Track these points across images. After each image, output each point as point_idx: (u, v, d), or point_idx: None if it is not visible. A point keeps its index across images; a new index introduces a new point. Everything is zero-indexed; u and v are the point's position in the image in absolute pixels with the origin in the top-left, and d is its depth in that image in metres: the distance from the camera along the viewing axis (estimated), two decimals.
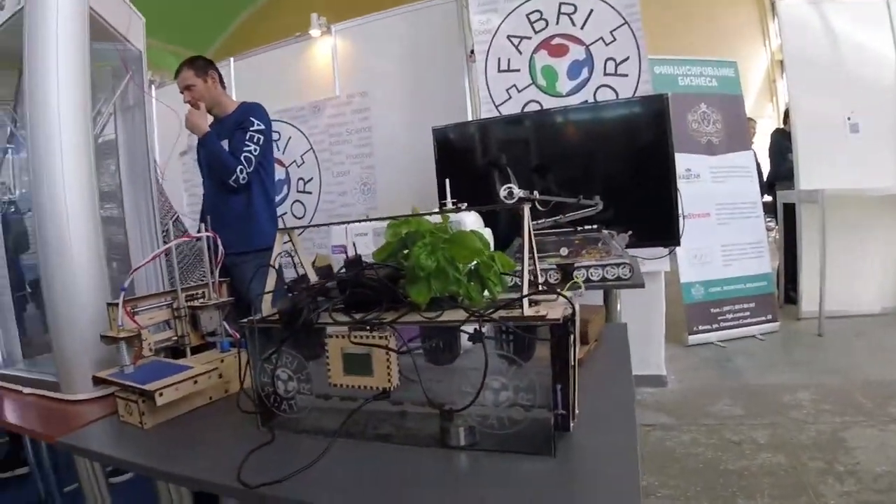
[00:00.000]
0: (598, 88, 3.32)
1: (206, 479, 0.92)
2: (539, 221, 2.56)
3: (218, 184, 3.02)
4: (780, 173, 5.20)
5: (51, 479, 2.74)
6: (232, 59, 4.79)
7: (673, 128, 4.12)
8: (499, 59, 3.50)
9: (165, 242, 2.27)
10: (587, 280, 2.39)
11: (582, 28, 3.34)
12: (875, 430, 2.69)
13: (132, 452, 1.08)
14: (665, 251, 3.09)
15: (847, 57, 4.60)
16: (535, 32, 3.43)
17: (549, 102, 3.39)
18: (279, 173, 4.60)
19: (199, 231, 2.50)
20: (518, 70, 3.48)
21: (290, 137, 4.58)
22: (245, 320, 1.04)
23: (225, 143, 2.95)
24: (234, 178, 2.87)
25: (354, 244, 1.40)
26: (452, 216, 1.39)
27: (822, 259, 4.41)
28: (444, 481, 0.82)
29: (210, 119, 3.01)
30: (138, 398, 1.15)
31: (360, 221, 1.17)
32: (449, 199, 1.65)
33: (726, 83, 4.62)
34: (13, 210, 1.84)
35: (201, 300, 1.44)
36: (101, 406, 1.31)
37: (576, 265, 2.40)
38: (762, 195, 5.39)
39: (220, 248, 1.46)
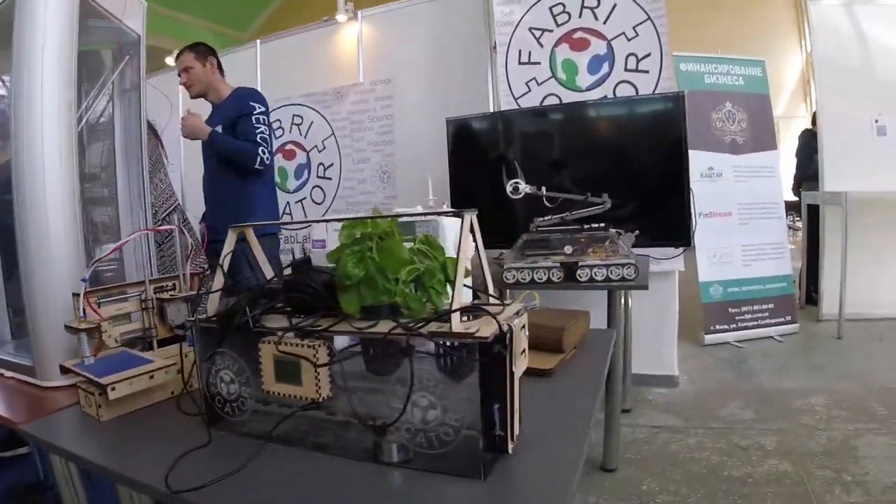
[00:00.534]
0: (618, 84, 3.26)
1: (135, 479, 0.89)
2: (545, 218, 2.52)
3: (214, 170, 3.05)
4: (807, 174, 5.09)
5: (50, 460, 2.78)
6: (258, 41, 4.82)
7: (697, 126, 4.14)
8: (519, 52, 3.46)
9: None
10: (591, 280, 2.35)
11: (605, 22, 3.28)
12: (888, 438, 2.60)
13: (81, 445, 1.07)
14: (677, 251, 3.00)
15: (877, 59, 4.47)
16: (558, 25, 3.38)
17: (569, 97, 3.35)
18: (300, 157, 4.63)
19: (202, 219, 2.51)
20: (538, 63, 3.43)
21: (311, 122, 4.59)
22: (191, 320, 1.01)
23: (220, 128, 2.97)
24: (258, 161, 2.90)
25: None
26: (431, 216, 1.34)
27: (844, 261, 4.30)
28: (369, 498, 0.78)
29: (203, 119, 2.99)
30: (95, 390, 1.14)
31: (317, 222, 1.12)
32: (431, 196, 1.60)
33: (753, 82, 4.50)
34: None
35: (171, 292, 1.41)
36: (73, 394, 1.28)
37: (580, 264, 2.36)
38: (796, 194, 5.29)
39: (199, 235, 1.44)
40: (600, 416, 2.57)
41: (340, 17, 4.39)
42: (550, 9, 3.39)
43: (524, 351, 0.87)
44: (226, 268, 1.01)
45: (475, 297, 1.02)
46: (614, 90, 3.26)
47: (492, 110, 3.65)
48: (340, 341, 0.87)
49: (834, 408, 2.97)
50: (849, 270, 4.30)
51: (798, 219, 5.42)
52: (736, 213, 4.34)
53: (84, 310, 1.24)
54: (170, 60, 4.97)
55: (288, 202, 4.73)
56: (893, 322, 4.41)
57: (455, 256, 0.89)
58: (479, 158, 3.01)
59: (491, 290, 0.90)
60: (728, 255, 4.32)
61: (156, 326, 1.38)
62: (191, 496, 0.80)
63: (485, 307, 0.84)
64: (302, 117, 4.62)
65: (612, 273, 2.32)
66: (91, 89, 1.74)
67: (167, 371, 1.19)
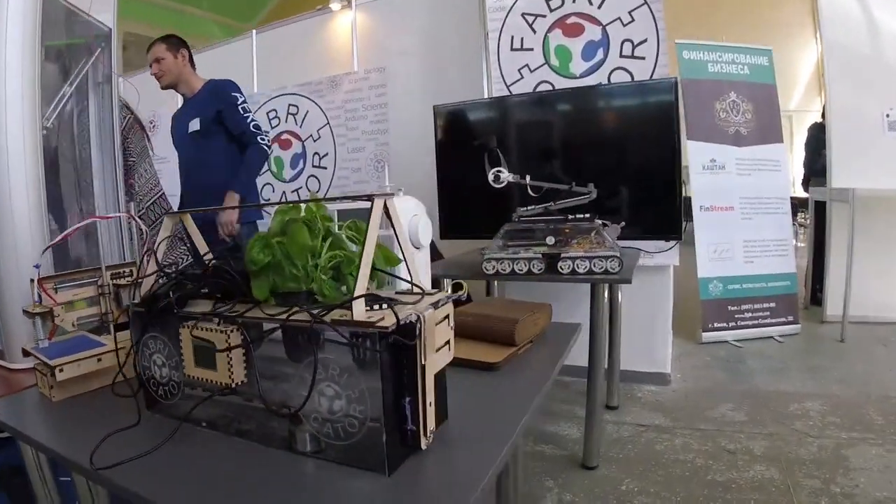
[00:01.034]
0: (613, 71, 3.21)
1: (65, 456, 0.91)
2: (528, 208, 2.48)
3: (189, 161, 3.12)
4: (815, 169, 4.98)
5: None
6: (254, 31, 4.84)
7: (699, 116, 4.08)
8: (512, 38, 3.42)
9: (146, 219, 2.29)
10: (573, 272, 2.32)
11: (599, 7, 3.23)
12: (882, 449, 2.52)
13: (29, 423, 1.10)
14: (668, 244, 2.96)
15: (889, 52, 4.32)
16: (551, 10, 3.34)
17: (562, 84, 3.30)
18: (296, 147, 4.65)
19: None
20: (531, 49, 3.40)
21: (307, 111, 4.60)
22: (128, 304, 1.01)
23: (196, 121, 3.02)
24: (266, 152, 3.03)
25: None
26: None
27: (850, 261, 4.19)
28: (276, 486, 0.77)
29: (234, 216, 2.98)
30: (47, 371, 1.16)
31: (250, 206, 1.12)
32: (387, 183, 1.59)
33: (759, 72, 4.38)
34: None
35: (128, 278, 1.42)
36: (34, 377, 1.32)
37: (562, 256, 2.32)
38: (805, 190, 5.20)
39: (143, 227, 1.44)
40: (581, 414, 2.56)
41: (334, 5, 4.42)
42: None
43: (448, 343, 0.86)
44: (160, 254, 1.01)
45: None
46: (609, 77, 3.21)
47: (486, 97, 3.60)
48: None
49: (829, 414, 2.90)
50: (855, 271, 4.19)
51: (807, 216, 5.32)
52: (738, 208, 4.23)
53: (39, 295, 1.25)
54: None
55: (284, 192, 4.75)
56: None
57: (382, 245, 0.89)
58: (465, 146, 2.98)
59: (417, 277, 0.88)
60: (729, 250, 4.22)
61: (112, 311, 1.38)
62: (109, 473, 0.81)
63: (399, 297, 0.83)
64: (297, 107, 4.64)
65: (595, 266, 2.28)
66: (65, 82, 1.75)
67: (116, 354, 1.20)
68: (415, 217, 1.34)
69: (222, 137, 3.02)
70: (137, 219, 1.42)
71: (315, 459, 0.82)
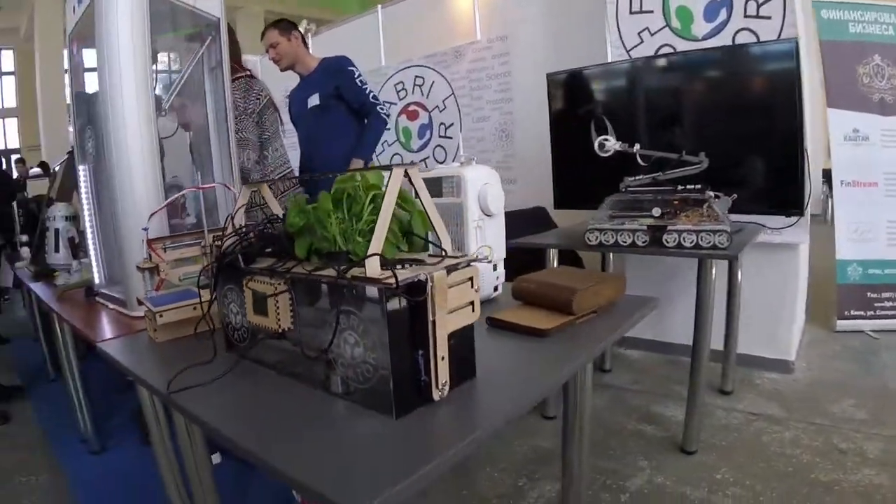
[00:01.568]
0: (737, 32, 2.98)
1: (149, 382, 1.11)
2: (636, 178, 2.44)
3: (310, 136, 3.31)
4: None
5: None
6: (379, 7, 4.98)
7: (839, 82, 3.78)
8: (631, 1, 3.30)
9: (275, 190, 2.48)
10: (679, 246, 2.27)
11: None
12: None
13: (132, 358, 1.32)
14: (792, 220, 2.79)
15: None
16: None
17: (683, 47, 3.12)
18: (423, 118, 4.81)
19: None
20: (651, 11, 3.24)
21: (433, 82, 4.72)
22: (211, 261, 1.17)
23: (315, 97, 3.20)
24: (385, 122, 3.20)
25: None
26: (455, 170, 1.41)
27: None
28: (309, 419, 0.88)
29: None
30: (152, 317, 1.36)
31: (309, 177, 1.24)
32: (461, 153, 1.66)
33: None
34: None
35: None
36: None
37: (668, 228, 2.28)
38: None
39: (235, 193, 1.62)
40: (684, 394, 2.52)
41: None
42: None
43: (472, 304, 0.93)
44: (237, 220, 1.15)
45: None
46: (733, 38, 2.99)
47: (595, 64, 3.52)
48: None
49: None
50: None
51: None
52: (883, 184, 3.80)
53: (149, 254, 1.46)
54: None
55: (413, 161, 4.86)
56: None
57: (421, 211, 0.97)
58: (577, 114, 2.96)
59: (447, 244, 0.95)
60: (871, 231, 3.81)
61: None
62: (177, 396, 0.98)
63: (426, 259, 0.90)
64: (423, 78, 4.77)
65: (702, 240, 2.21)
66: (181, 69, 1.98)
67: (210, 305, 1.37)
68: (485, 185, 1.41)
69: (341, 111, 3.20)
70: (233, 189, 1.59)
71: (344, 400, 0.92)
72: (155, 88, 1.70)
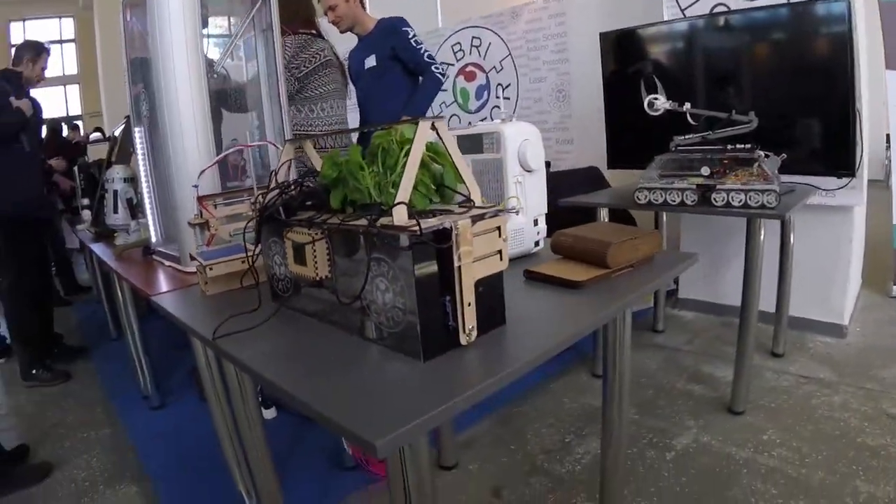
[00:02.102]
0: None
1: (195, 329, 1.18)
2: (685, 137, 2.42)
3: (367, 95, 3.33)
4: None
5: None
6: None
7: None
8: None
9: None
10: (727, 205, 2.26)
11: None
12: None
13: (183, 309, 1.39)
14: (844, 182, 2.75)
15: None
16: None
17: (738, 5, 3.03)
18: (480, 79, 4.81)
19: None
20: None
21: (490, 43, 4.71)
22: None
23: (372, 58, 3.20)
24: (438, 77, 3.17)
25: None
26: (495, 127, 1.42)
27: None
28: (344, 363, 0.93)
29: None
30: (203, 270, 1.42)
31: (354, 130, 1.28)
32: (501, 106, 1.67)
33: None
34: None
35: None
36: None
37: (717, 187, 2.27)
38: None
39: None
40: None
41: None
42: None
43: (499, 253, 0.95)
44: (280, 175, 1.19)
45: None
46: None
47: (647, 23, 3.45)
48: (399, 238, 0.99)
49: None
50: None
51: None
52: None
53: (200, 210, 1.51)
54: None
55: (470, 122, 4.88)
56: None
57: (454, 164, 0.99)
58: (629, 74, 2.93)
59: (476, 196, 0.98)
60: None
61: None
62: (221, 341, 1.05)
63: (455, 209, 0.93)
64: (480, 39, 4.76)
65: (750, 199, 2.19)
66: (232, 31, 2.03)
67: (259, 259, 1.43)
68: (525, 141, 1.42)
69: (398, 72, 3.21)
70: (278, 146, 1.64)
71: (377, 345, 0.97)
72: (206, 50, 1.74)
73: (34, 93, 3.57)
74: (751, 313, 2.38)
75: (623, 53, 3.08)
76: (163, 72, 1.65)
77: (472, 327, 0.91)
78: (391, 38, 3.15)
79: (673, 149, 2.44)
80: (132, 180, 2.67)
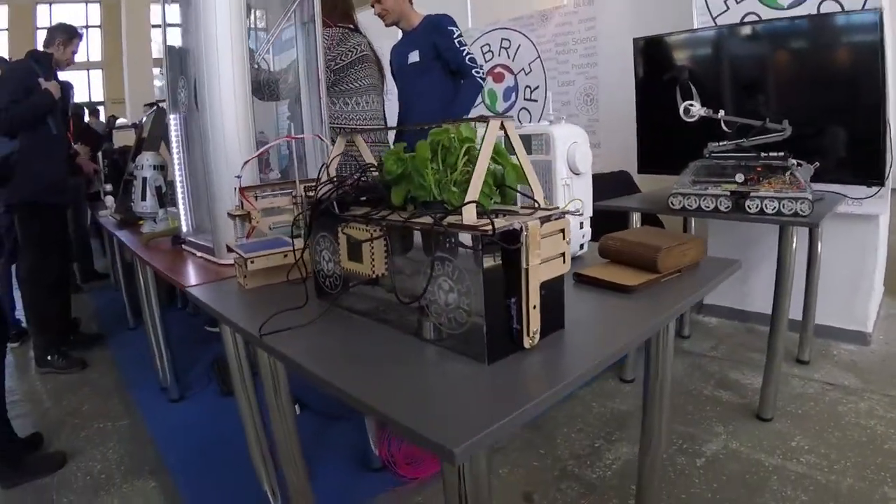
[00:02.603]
0: (822, 1, 2.90)
1: (240, 326, 1.15)
2: (719, 144, 2.42)
3: (408, 92, 3.30)
4: None
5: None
6: None
7: None
8: None
9: None
10: (761, 212, 2.26)
11: None
12: None
13: (222, 303, 1.36)
14: (873, 191, 2.74)
15: None
16: None
17: (769, 15, 3.05)
18: (508, 80, 4.79)
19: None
20: None
21: (519, 45, 4.69)
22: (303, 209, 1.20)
23: (415, 53, 3.16)
24: (478, 81, 3.13)
25: None
26: (545, 128, 1.40)
27: None
28: (401, 364, 0.91)
29: None
30: (243, 262, 1.40)
31: (407, 129, 1.25)
32: (551, 110, 1.65)
33: None
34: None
35: None
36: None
37: (751, 194, 2.27)
38: None
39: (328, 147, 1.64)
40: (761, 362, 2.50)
41: None
42: None
43: (562, 256, 0.93)
44: (332, 169, 1.17)
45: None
46: (818, 7, 2.91)
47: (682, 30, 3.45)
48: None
49: None
50: None
51: None
52: None
53: (241, 201, 1.49)
54: None
55: (508, 114, 4.89)
56: None
57: (516, 164, 0.97)
58: (662, 79, 2.92)
59: (539, 196, 0.96)
60: None
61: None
62: (268, 339, 1.02)
63: (520, 209, 0.91)
64: (510, 41, 4.74)
65: (783, 207, 2.20)
66: (275, 24, 2.02)
67: (301, 253, 1.40)
68: (574, 144, 1.40)
69: (439, 70, 3.18)
70: (325, 139, 1.62)
71: (436, 346, 0.95)
72: (249, 40, 1.73)
73: (65, 76, 3.56)
74: (781, 321, 2.38)
75: (656, 59, 3.06)
76: (206, 61, 1.64)
77: (536, 331, 0.89)
78: (435, 35, 3.12)
79: (707, 155, 2.44)
80: (162, 168, 2.65)
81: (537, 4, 4.50)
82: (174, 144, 2.10)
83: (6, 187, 3.20)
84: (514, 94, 4.78)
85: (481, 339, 0.85)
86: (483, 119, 0.88)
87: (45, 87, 3.20)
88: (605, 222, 1.78)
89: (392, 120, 3.68)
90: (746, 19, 3.12)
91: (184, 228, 2.14)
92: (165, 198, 2.62)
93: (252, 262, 1.36)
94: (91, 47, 14.10)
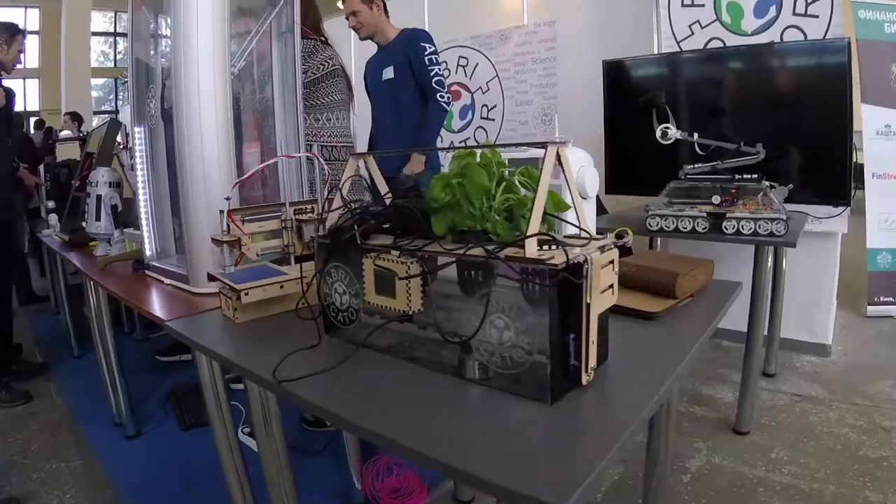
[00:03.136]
0: (785, 29, 3.06)
1: (249, 370, 1.03)
2: (694, 166, 2.45)
3: (382, 107, 3.21)
4: None
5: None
6: None
7: (873, 79, 3.83)
8: None
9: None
10: (737, 233, 2.29)
11: None
12: None
13: (214, 340, 1.23)
14: (837, 210, 2.82)
15: None
16: None
17: (733, 41, 3.20)
18: (465, 98, 4.76)
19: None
20: (703, 5, 3.31)
21: (476, 64, 4.67)
22: (311, 237, 1.11)
23: (390, 69, 3.10)
24: (445, 111, 3.09)
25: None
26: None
27: None
28: (443, 406, 0.84)
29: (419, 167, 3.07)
30: (232, 295, 1.28)
31: (427, 150, 1.18)
32: (557, 135, 1.61)
33: None
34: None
35: (309, 214, 1.53)
36: (217, 300, 1.46)
37: (727, 216, 2.30)
38: None
39: (325, 168, 1.55)
40: (738, 379, 2.53)
41: None
42: None
43: (611, 287, 0.88)
44: (345, 191, 1.09)
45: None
46: (781, 35, 3.07)
47: (656, 53, 3.53)
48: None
49: None
50: None
51: None
52: None
53: (228, 225, 1.39)
54: (340, 4, 5.15)
55: (452, 142, 4.87)
56: None
57: (552, 191, 0.92)
58: (634, 102, 2.93)
59: (584, 224, 0.91)
60: None
61: (293, 244, 1.50)
62: (289, 385, 0.91)
63: (567, 240, 0.86)
64: (467, 59, 4.71)
65: (760, 227, 2.25)
66: (250, 32, 1.89)
67: (297, 283, 1.31)
68: (582, 168, 1.36)
69: (414, 87, 3.12)
70: (320, 158, 1.53)
71: (481, 386, 0.88)
72: (230, 50, 1.62)
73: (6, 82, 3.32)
74: (756, 339, 2.43)
75: (627, 82, 3.09)
76: (184, 72, 1.51)
77: (594, 366, 0.85)
78: (409, 48, 3.06)
79: (682, 177, 2.47)
80: (118, 185, 2.47)
81: (496, 24, 4.49)
82: (139, 160, 1.95)
83: None
84: (470, 112, 4.75)
85: (542, 378, 0.79)
86: (541, 144, 0.82)
87: None
88: None
89: (362, 136, 3.60)
90: (710, 44, 3.26)
91: (147, 252, 1.99)
92: (121, 217, 2.44)
93: (247, 294, 1.25)
94: (28, 55, 13.48)
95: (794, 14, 3.03)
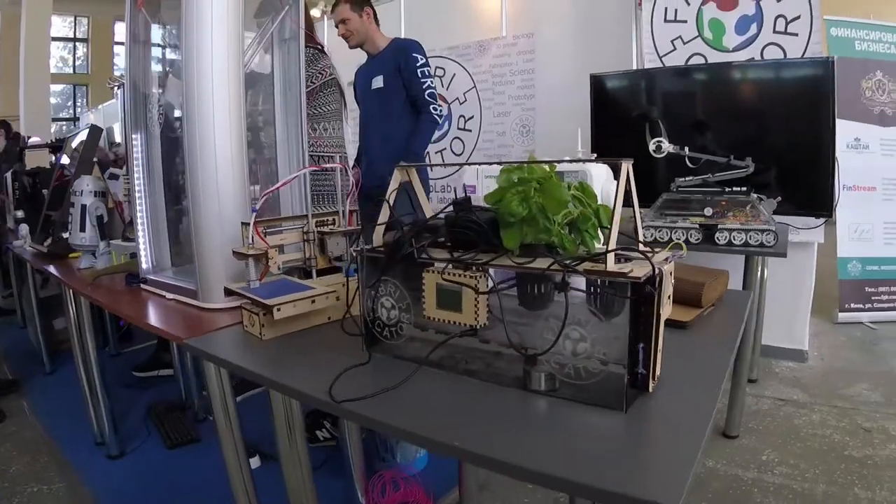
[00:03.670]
0: (765, 46, 3.17)
1: (300, 390, 1.00)
2: (686, 179, 2.51)
3: (371, 116, 3.19)
4: None
5: (192, 381, 3.03)
6: None
7: (844, 94, 3.97)
8: (666, 9, 3.42)
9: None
10: (729, 244, 2.38)
11: None
12: None
13: (245, 359, 1.19)
14: (818, 222, 2.92)
15: None
16: None
17: (715, 57, 3.29)
18: (442, 109, 4.71)
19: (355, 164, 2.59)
20: (685, 21, 3.39)
21: (454, 74, 4.67)
22: (356, 249, 1.10)
23: (380, 79, 3.07)
24: (437, 123, 3.08)
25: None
26: (580, 166, 1.38)
27: None
28: (513, 421, 0.84)
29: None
30: (260, 311, 1.25)
31: (478, 164, 1.19)
32: (580, 148, 1.64)
33: None
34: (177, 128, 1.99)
35: (331, 226, 1.52)
36: (231, 316, 1.44)
37: (719, 227, 2.36)
38: None
39: (351, 178, 1.54)
40: (726, 384, 2.57)
41: None
42: None
43: (670, 297, 0.91)
44: (392, 203, 1.09)
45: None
46: (762, 52, 3.17)
47: (635, 67, 3.60)
48: (497, 276, 0.94)
49: None
50: None
51: None
52: (880, 188, 4.10)
53: (252, 237, 1.36)
54: (315, 12, 5.11)
55: (428, 152, 4.82)
56: None
57: (604, 205, 0.94)
58: (623, 115, 2.98)
59: (641, 237, 0.94)
60: (869, 231, 4.12)
61: (315, 257, 1.50)
62: (352, 406, 0.90)
63: (635, 252, 0.88)
64: (444, 70, 4.72)
65: (751, 238, 2.32)
66: (253, 39, 1.88)
67: (328, 297, 1.30)
68: (607, 182, 1.40)
69: (403, 98, 3.10)
70: (349, 169, 1.53)
71: (547, 397, 0.89)
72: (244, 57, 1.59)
73: None
74: (746, 343, 2.52)
75: (615, 95, 3.15)
76: (198, 77, 1.47)
77: (658, 374, 0.87)
78: (400, 57, 3.05)
79: (674, 189, 2.55)
80: (103, 195, 2.38)
81: (475, 35, 4.51)
82: (136, 169, 1.89)
83: None
84: (447, 122, 4.76)
85: (618, 387, 0.82)
86: (616, 160, 0.84)
87: None
88: None
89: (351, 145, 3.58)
90: (692, 60, 3.34)
91: (144, 265, 1.92)
92: (106, 228, 2.37)
93: (279, 310, 1.21)
94: None
95: (775, 32, 3.14)
